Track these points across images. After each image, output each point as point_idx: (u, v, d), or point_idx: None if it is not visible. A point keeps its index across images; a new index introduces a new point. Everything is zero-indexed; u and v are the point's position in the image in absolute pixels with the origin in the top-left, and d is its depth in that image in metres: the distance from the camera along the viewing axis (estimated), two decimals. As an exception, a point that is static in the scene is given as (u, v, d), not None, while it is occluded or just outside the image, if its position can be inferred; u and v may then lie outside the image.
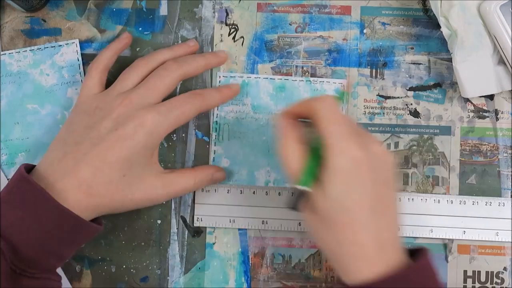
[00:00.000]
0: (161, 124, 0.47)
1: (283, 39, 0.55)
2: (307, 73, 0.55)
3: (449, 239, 0.54)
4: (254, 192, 0.54)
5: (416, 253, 0.43)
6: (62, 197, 0.45)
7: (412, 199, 0.54)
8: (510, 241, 0.53)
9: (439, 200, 0.53)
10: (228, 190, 0.54)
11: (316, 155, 0.43)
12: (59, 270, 0.55)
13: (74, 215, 0.45)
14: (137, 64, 0.51)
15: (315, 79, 0.55)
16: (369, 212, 0.41)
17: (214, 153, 0.54)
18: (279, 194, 0.54)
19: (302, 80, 0.55)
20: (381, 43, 0.55)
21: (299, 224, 0.54)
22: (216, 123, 0.55)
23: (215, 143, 0.54)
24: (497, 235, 0.53)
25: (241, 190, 0.54)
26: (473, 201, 0.53)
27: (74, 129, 0.48)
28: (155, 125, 0.47)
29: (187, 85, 0.55)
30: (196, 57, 0.52)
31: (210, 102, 0.51)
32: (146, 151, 0.48)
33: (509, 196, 0.54)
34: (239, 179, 0.54)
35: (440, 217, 0.53)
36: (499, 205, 0.53)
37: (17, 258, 0.44)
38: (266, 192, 0.54)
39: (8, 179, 0.55)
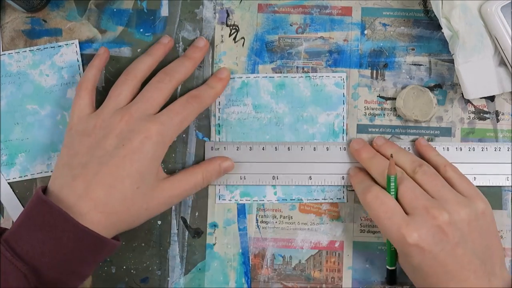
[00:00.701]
0: (166, 133, 0.48)
1: (284, 40, 0.55)
2: (308, 74, 0.55)
3: None
4: (263, 148, 0.54)
5: None
6: (80, 219, 0.45)
7: None
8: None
9: (448, 148, 0.54)
10: (238, 148, 0.54)
11: None
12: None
13: (95, 233, 0.45)
14: (125, 78, 0.50)
15: (315, 74, 0.55)
16: (478, 266, 0.45)
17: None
18: (288, 149, 0.54)
19: (301, 76, 0.55)
20: (382, 44, 0.55)
21: (310, 178, 0.54)
22: (219, 126, 0.55)
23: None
24: (508, 180, 0.54)
25: (250, 147, 0.54)
26: (482, 147, 0.54)
27: (76, 152, 0.47)
28: (161, 135, 0.47)
29: (187, 86, 0.55)
30: (184, 62, 0.52)
31: (207, 100, 0.52)
32: (155, 161, 0.48)
33: (509, 196, 0.54)
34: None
35: None
36: (508, 150, 0.54)
37: (40, 281, 0.44)
38: (276, 147, 0.54)
39: (7, 179, 0.55)
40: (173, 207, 0.55)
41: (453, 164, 0.52)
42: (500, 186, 0.54)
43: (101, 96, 0.55)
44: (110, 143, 0.47)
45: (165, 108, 0.49)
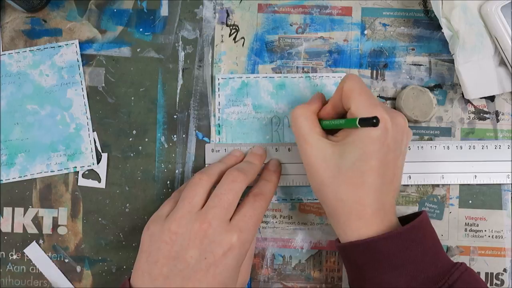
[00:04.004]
0: (246, 239, 0.46)
1: (284, 40, 0.55)
2: (307, 74, 0.55)
3: (460, 184, 0.54)
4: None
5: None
6: None
7: (422, 147, 0.54)
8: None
9: (448, 147, 0.54)
10: (238, 148, 0.55)
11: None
12: (58, 270, 0.55)
13: None
14: (200, 178, 0.48)
15: (315, 74, 0.55)
16: (378, 177, 0.45)
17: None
18: (289, 150, 0.54)
19: (301, 77, 0.55)
20: (382, 44, 0.55)
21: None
22: (219, 126, 0.55)
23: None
24: (508, 178, 0.54)
25: (250, 148, 0.54)
26: (483, 145, 0.54)
27: (155, 259, 0.45)
28: (242, 243, 0.46)
29: (187, 86, 0.55)
30: (255, 161, 0.52)
31: (269, 195, 0.51)
32: (237, 269, 0.47)
33: (509, 196, 0.54)
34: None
35: (451, 163, 0.54)
36: (508, 148, 0.54)
37: None
38: (276, 148, 0.54)
39: (6, 179, 0.55)
40: (173, 207, 0.55)
41: (454, 162, 0.53)
42: (500, 185, 0.54)
43: (101, 96, 0.55)
44: (191, 255, 0.45)
45: (236, 213, 0.47)
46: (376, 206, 0.45)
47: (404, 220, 0.48)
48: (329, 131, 0.48)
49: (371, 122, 0.42)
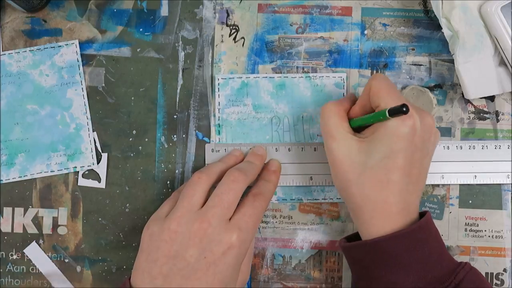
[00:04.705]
0: (246, 238, 0.46)
1: (284, 40, 0.55)
2: (308, 74, 0.55)
3: (460, 184, 0.54)
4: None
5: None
6: None
7: None
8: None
9: (448, 147, 0.54)
10: (238, 148, 0.55)
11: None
12: (58, 270, 0.55)
13: None
14: (199, 179, 0.48)
15: (315, 74, 0.55)
16: (404, 176, 0.45)
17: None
18: (289, 150, 0.54)
19: (301, 77, 0.55)
20: (382, 44, 0.55)
21: (311, 178, 0.54)
22: (219, 126, 0.55)
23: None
24: (508, 178, 0.54)
25: (250, 148, 0.54)
26: (482, 145, 0.54)
27: (155, 258, 0.45)
28: (242, 242, 0.46)
29: (187, 86, 0.55)
30: (255, 162, 0.52)
31: (269, 195, 0.50)
32: (237, 268, 0.47)
33: (509, 196, 0.54)
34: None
35: (451, 163, 0.54)
36: (508, 148, 0.54)
37: None
38: (276, 148, 0.54)
39: (6, 179, 0.55)
40: (173, 207, 0.55)
41: (453, 162, 0.53)
42: (500, 185, 0.54)
43: (101, 96, 0.55)
44: (191, 254, 0.45)
45: (236, 212, 0.47)
46: (401, 205, 0.45)
47: None
48: (357, 130, 0.48)
49: (401, 110, 0.42)
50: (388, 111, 0.43)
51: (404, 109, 0.42)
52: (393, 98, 0.45)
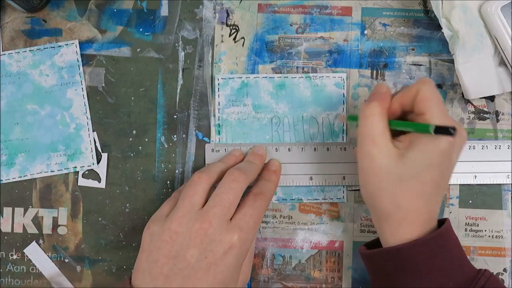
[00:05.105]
0: (246, 238, 0.46)
1: (284, 40, 0.55)
2: (308, 74, 0.55)
3: (460, 184, 0.54)
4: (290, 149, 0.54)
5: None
6: None
7: None
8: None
9: None
10: (238, 148, 0.54)
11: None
12: (58, 270, 0.55)
13: None
14: (199, 178, 0.48)
15: (315, 74, 0.55)
16: (436, 188, 0.45)
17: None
18: (289, 150, 0.54)
19: (301, 77, 0.55)
20: (382, 44, 0.55)
21: (310, 178, 0.54)
22: (219, 126, 0.55)
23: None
24: (508, 178, 0.54)
25: (250, 148, 0.54)
26: (482, 145, 0.54)
27: (155, 258, 0.45)
28: (242, 242, 0.46)
29: (187, 86, 0.55)
30: (255, 161, 0.52)
31: (269, 195, 0.50)
32: (238, 268, 0.47)
33: (509, 196, 0.54)
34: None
35: None
36: (508, 148, 0.54)
37: None
38: (276, 148, 0.54)
39: (6, 179, 0.55)
40: (173, 207, 0.55)
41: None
42: (500, 185, 0.54)
43: (101, 96, 0.55)
44: (192, 255, 0.45)
45: (237, 212, 0.47)
46: (428, 215, 0.45)
47: None
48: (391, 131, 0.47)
49: (449, 131, 0.42)
50: (435, 129, 0.42)
51: (452, 131, 0.42)
52: (441, 112, 0.44)
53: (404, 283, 0.45)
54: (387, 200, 0.45)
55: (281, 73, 0.55)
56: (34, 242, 0.55)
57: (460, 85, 0.53)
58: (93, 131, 0.55)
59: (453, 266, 0.45)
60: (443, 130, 0.42)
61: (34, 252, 0.55)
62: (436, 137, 0.43)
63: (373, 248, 0.47)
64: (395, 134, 0.46)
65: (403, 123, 0.46)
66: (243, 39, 0.55)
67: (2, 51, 0.55)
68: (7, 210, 0.55)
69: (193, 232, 0.45)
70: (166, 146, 0.55)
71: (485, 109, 0.55)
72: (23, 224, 0.55)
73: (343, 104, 0.55)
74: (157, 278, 0.45)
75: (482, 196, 0.54)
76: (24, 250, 0.55)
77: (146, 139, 0.55)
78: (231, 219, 0.46)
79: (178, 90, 0.55)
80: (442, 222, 0.47)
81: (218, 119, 0.55)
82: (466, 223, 0.55)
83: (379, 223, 0.47)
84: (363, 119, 0.46)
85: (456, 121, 0.46)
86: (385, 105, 0.46)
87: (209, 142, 0.55)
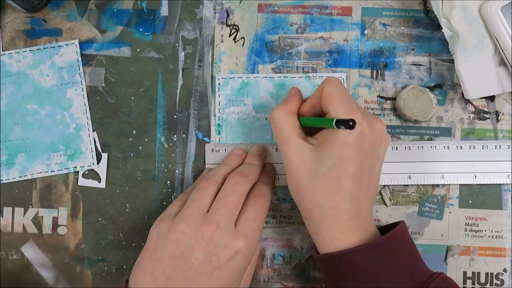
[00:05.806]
0: (252, 244, 0.47)
1: (284, 40, 0.55)
2: (308, 74, 0.55)
3: (460, 184, 0.54)
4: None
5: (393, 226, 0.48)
6: None
7: (422, 147, 0.54)
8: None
9: (448, 147, 0.54)
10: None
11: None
12: (58, 270, 0.55)
13: None
14: (207, 183, 0.48)
15: (315, 74, 0.55)
16: (354, 183, 0.45)
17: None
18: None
19: (301, 77, 0.55)
20: (382, 44, 0.55)
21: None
22: (219, 126, 0.55)
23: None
24: (508, 178, 0.54)
25: (250, 148, 0.54)
26: (483, 145, 0.54)
27: (159, 258, 0.45)
28: (249, 249, 0.46)
29: (187, 86, 0.55)
30: (254, 163, 0.52)
31: (268, 196, 0.51)
32: (241, 274, 0.47)
33: (509, 196, 0.54)
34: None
35: (451, 163, 0.54)
36: (508, 148, 0.54)
37: None
38: (276, 148, 0.53)
39: (6, 179, 0.55)
40: (173, 207, 0.55)
41: (454, 162, 0.53)
42: (500, 185, 0.54)
43: (101, 96, 0.55)
44: (196, 257, 0.44)
45: (240, 217, 0.47)
46: (352, 212, 0.45)
47: (385, 230, 0.48)
48: (308, 128, 0.48)
49: (347, 124, 0.42)
50: (335, 122, 0.43)
51: (351, 123, 0.42)
52: (344, 107, 0.45)
53: (350, 287, 0.45)
54: (307, 197, 0.45)
55: (281, 73, 0.55)
56: (31, 241, 0.55)
57: (460, 85, 0.53)
58: (93, 131, 0.55)
59: (402, 271, 0.44)
60: (343, 123, 0.43)
61: (34, 252, 0.55)
62: (341, 131, 0.44)
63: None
64: (316, 131, 0.48)
65: (311, 119, 0.48)
66: (243, 39, 0.55)
67: (2, 51, 0.55)
68: (7, 210, 0.55)
69: (199, 234, 0.45)
70: (166, 146, 0.55)
71: (485, 109, 0.55)
72: (23, 224, 0.55)
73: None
74: (158, 278, 0.44)
75: (482, 196, 0.54)
76: (22, 249, 0.55)
77: (146, 139, 0.55)
78: (236, 224, 0.46)
79: (178, 90, 0.55)
80: (396, 224, 0.47)
81: (218, 119, 0.55)
82: (466, 223, 0.55)
83: (307, 224, 0.47)
84: (272, 122, 0.48)
85: (364, 114, 0.46)
86: (292, 106, 0.48)
87: (209, 142, 0.55)
